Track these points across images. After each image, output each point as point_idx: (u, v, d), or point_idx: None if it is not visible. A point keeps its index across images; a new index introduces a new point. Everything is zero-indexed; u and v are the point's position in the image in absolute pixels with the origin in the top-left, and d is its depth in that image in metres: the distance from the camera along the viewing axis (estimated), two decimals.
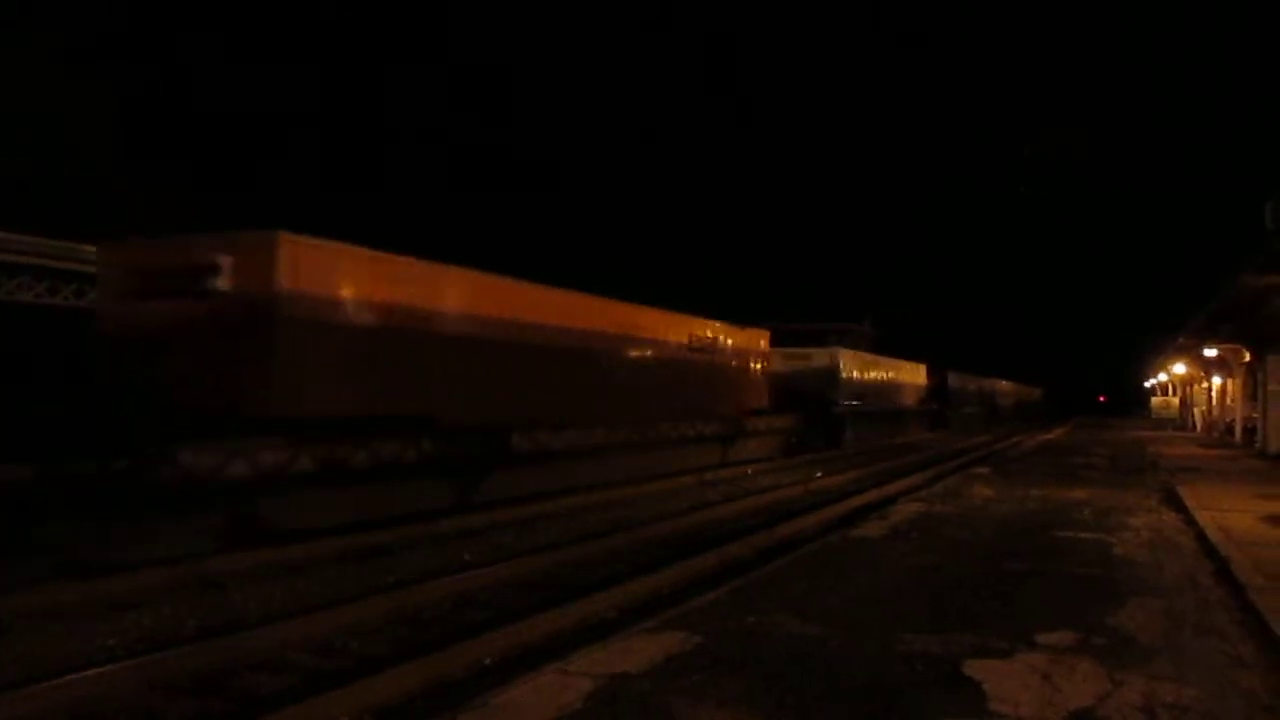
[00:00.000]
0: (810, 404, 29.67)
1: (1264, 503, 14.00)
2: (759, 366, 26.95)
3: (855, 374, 33.50)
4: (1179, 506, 13.78)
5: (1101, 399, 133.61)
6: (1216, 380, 37.58)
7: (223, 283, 11.64)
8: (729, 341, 25.00)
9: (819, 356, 31.17)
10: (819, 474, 22.48)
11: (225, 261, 11.65)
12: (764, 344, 27.37)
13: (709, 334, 23.79)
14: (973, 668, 5.69)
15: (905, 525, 11.71)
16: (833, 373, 31.20)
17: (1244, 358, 28.48)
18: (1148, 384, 72.46)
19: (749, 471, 22.81)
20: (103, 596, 8.64)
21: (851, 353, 33.29)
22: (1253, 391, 29.59)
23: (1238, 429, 32.60)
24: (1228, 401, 36.18)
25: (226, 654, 7.00)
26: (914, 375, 45.43)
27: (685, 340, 22.49)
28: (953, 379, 54.81)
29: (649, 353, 20.97)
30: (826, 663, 5.80)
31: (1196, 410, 46.86)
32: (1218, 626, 6.87)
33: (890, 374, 40.08)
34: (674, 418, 21.26)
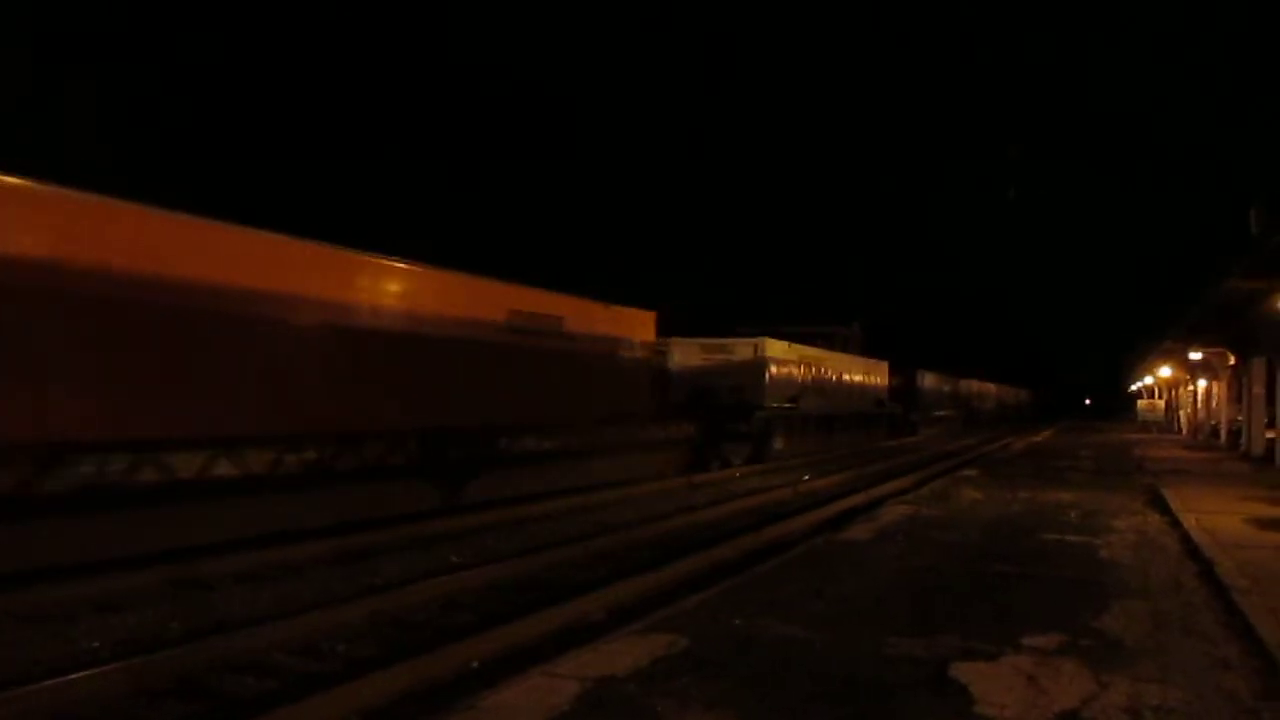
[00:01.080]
0: (728, 407, 25.26)
1: (1249, 505, 14.09)
2: (642, 358, 21.08)
3: (788, 371, 28.28)
4: (1164, 509, 13.85)
5: (1088, 402, 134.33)
6: (1202, 383, 37.84)
7: None
8: (583, 325, 18.40)
9: (741, 349, 26.35)
10: (807, 476, 22.53)
11: None
12: (645, 330, 21.39)
13: (545, 311, 17.21)
14: (959, 670, 5.71)
15: (893, 528, 11.73)
16: (757, 369, 26.13)
17: (1229, 361, 28.68)
18: (1134, 387, 72.84)
19: (737, 475, 22.83)
20: (86, 598, 8.59)
21: (784, 344, 28.13)
22: (1237, 394, 29.80)
23: (1223, 432, 32.81)
24: (1213, 404, 36.42)
25: (212, 656, 6.96)
26: (872, 374, 39.88)
27: (501, 319, 15.88)
28: (923, 379, 49.34)
29: (429, 333, 14.24)
30: (813, 665, 5.80)
31: (1182, 413, 47.18)
32: (1202, 629, 6.90)
33: (839, 372, 34.35)
34: (466, 424, 15.48)
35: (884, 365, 42.12)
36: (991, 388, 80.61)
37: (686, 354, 25.58)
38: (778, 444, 27.44)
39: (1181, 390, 47.39)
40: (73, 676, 6.25)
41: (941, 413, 54.76)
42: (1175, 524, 12.21)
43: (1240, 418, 28.79)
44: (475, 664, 6.94)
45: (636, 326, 21.00)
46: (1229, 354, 28.05)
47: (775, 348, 27.38)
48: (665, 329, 24.03)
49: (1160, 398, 58.98)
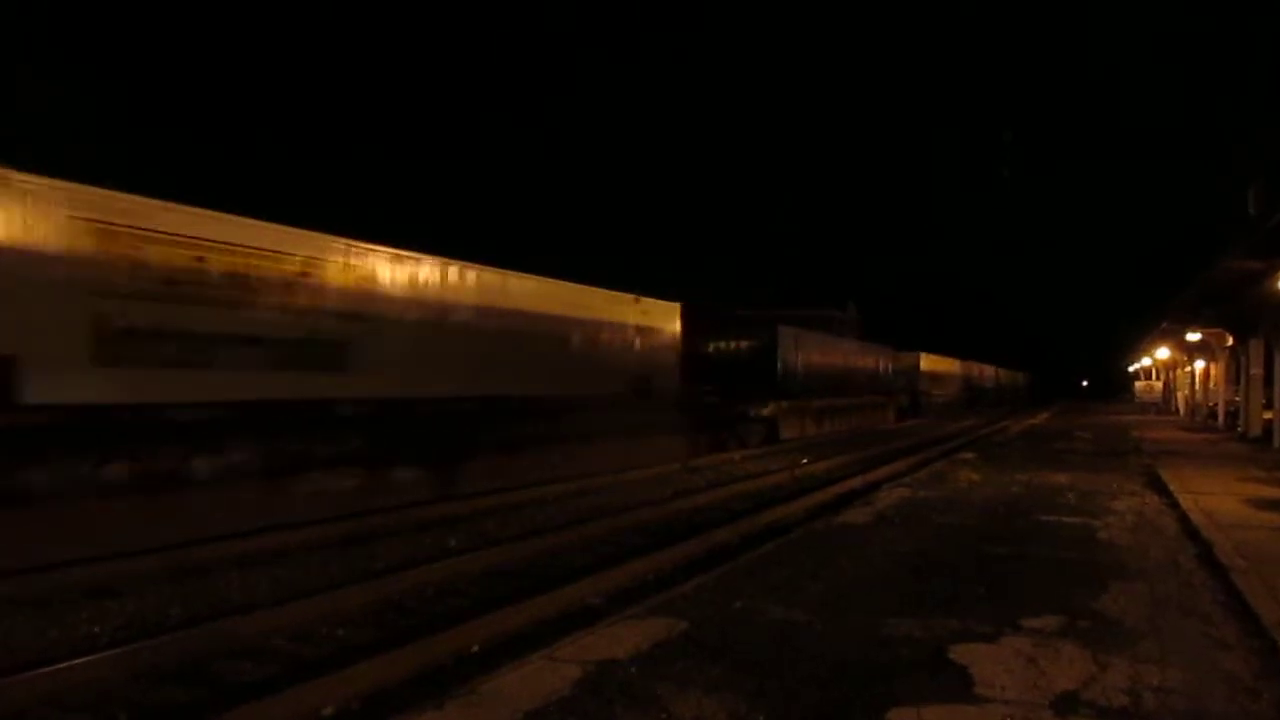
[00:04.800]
0: None
1: (1246, 486, 14.11)
2: None
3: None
4: (1162, 490, 13.87)
5: (1085, 384, 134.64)
6: (1199, 364, 37.85)
7: None
8: None
9: None
10: (805, 460, 22.54)
11: None
12: None
13: None
14: (958, 652, 5.71)
15: (890, 511, 11.74)
16: None
17: (1226, 342, 28.68)
18: (1131, 368, 72.91)
19: (736, 458, 22.83)
20: (86, 584, 8.59)
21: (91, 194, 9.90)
22: (1235, 375, 29.83)
23: (1220, 413, 32.87)
24: (1210, 385, 36.45)
25: (211, 642, 6.96)
26: (608, 323, 19.99)
27: None
28: (791, 348, 28.98)
29: None
30: (812, 648, 5.80)
31: (1179, 394, 47.23)
32: (1201, 609, 6.91)
33: (415, 303, 14.51)
34: None
35: (670, 310, 22.82)
36: (953, 365, 60.23)
37: None
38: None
39: (1179, 371, 47.44)
40: (73, 662, 6.25)
41: (844, 401, 35.39)
42: (1173, 505, 12.22)
43: (1238, 399, 28.83)
44: (475, 648, 6.95)
45: None
46: (1227, 335, 28.04)
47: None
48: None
49: (1158, 379, 59.08)
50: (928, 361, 51.45)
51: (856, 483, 17.65)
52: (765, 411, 27.02)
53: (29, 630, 7.40)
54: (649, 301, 21.99)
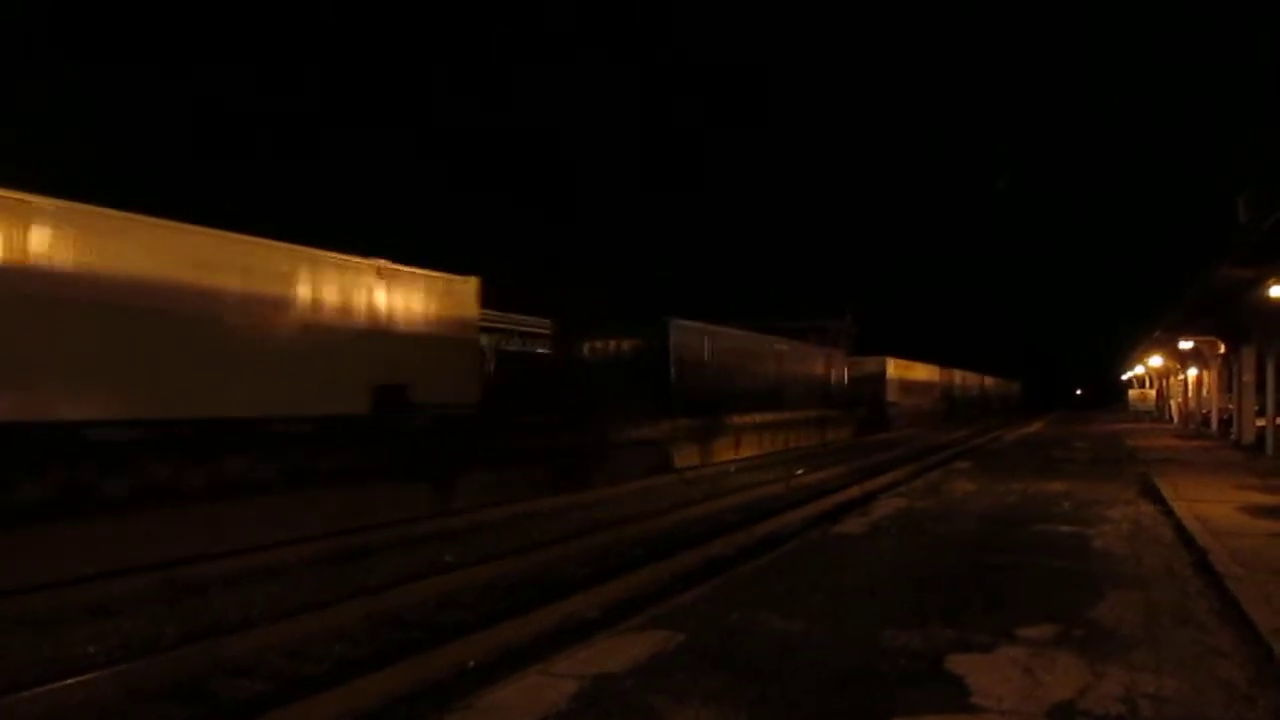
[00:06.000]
0: None
1: (1240, 493, 14.13)
2: None
3: None
4: (1157, 498, 13.88)
5: (1079, 393, 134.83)
6: (1192, 372, 37.94)
7: None
8: None
9: None
10: (800, 471, 22.55)
11: None
12: None
13: None
14: (954, 662, 5.71)
15: (886, 521, 11.75)
16: None
17: (1219, 350, 28.77)
18: (1125, 377, 73.02)
19: (731, 469, 22.84)
20: (82, 603, 8.56)
21: None
22: (1228, 383, 29.94)
23: (1214, 420, 32.94)
24: (1204, 393, 36.54)
25: (207, 660, 6.95)
26: (361, 316, 14.14)
27: None
28: (698, 350, 23.83)
29: None
30: (811, 658, 5.80)
31: (1173, 402, 47.32)
32: (1196, 617, 6.92)
33: None
34: None
35: (453, 288, 16.20)
36: (934, 374, 53.71)
37: None
38: None
39: (1172, 379, 47.55)
40: (69, 681, 6.23)
41: (778, 416, 28.87)
42: (1168, 513, 12.24)
43: (1230, 406, 28.92)
44: (472, 663, 6.94)
45: None
46: (1219, 342, 28.14)
47: None
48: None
49: (1151, 387, 59.22)
50: (896, 367, 45.09)
51: (853, 493, 17.66)
52: (651, 433, 20.69)
53: (24, 649, 7.39)
54: (407, 272, 14.83)
